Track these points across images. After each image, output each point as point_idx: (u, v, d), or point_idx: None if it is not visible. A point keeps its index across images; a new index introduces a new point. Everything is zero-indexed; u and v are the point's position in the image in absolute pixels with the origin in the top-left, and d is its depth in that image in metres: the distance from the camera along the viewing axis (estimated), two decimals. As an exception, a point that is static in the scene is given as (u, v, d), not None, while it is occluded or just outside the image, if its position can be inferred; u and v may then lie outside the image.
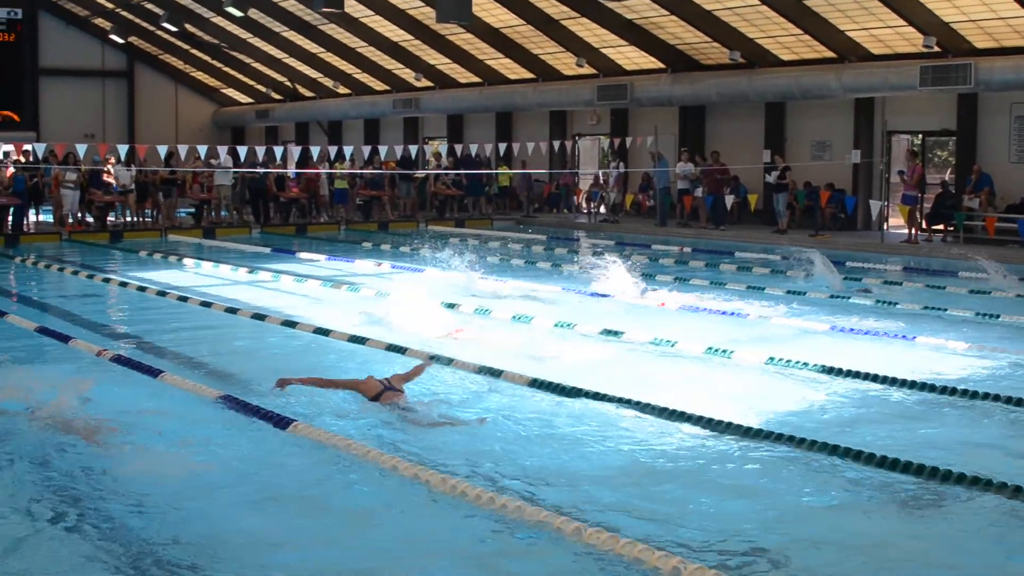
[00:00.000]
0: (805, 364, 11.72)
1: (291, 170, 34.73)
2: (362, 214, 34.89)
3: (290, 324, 14.71)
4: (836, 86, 28.21)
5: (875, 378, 11.17)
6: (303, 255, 24.92)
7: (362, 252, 25.29)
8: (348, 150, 34.67)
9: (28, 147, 33.07)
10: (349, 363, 12.34)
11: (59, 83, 48.36)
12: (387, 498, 7.72)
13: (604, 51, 33.50)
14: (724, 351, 12.46)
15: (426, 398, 10.47)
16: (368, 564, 6.69)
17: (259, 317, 15.38)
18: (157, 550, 6.78)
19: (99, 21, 47.48)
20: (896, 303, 16.77)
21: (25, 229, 29.69)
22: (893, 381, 11.05)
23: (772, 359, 11.99)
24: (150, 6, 42.68)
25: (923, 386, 10.87)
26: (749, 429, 9.19)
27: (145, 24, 45.24)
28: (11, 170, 30.27)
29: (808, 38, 28.32)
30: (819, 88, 28.69)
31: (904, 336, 13.64)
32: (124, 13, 45.20)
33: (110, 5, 44.92)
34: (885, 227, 27.74)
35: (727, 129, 32.69)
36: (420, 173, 35.29)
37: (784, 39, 29.14)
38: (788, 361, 11.87)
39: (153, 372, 11.54)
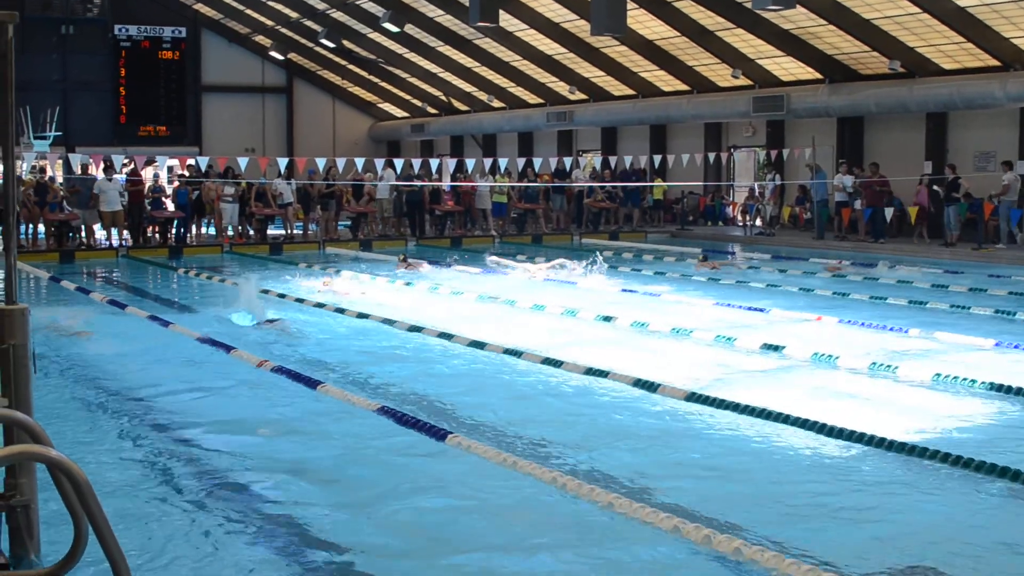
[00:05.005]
0: (972, 381, 11.38)
1: (446, 183, 35.05)
2: (516, 227, 35.04)
3: (446, 336, 14.81)
4: (1001, 95, 27.38)
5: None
6: (458, 267, 25.06)
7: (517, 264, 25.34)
8: (503, 163, 34.87)
9: (191, 161, 33.92)
10: (505, 376, 12.43)
11: (221, 99, 49.68)
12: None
13: (760, 62, 33.15)
14: (888, 366, 12.18)
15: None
16: None
17: (415, 329, 15.52)
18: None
19: (259, 39, 48.63)
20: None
21: (188, 241, 30.44)
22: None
23: (939, 375, 11.67)
24: (309, 23, 43.54)
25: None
26: (914, 447, 8.94)
27: (304, 41, 46.22)
28: (176, 183, 31.16)
29: (971, 46, 27.61)
30: (983, 97, 27.89)
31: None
32: (284, 30, 46.21)
33: (270, 23, 45.96)
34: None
35: (886, 140, 32.06)
36: (576, 186, 35.31)
37: (946, 47, 28.47)
38: (955, 378, 11.54)
39: (312, 383, 11.69)
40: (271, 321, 16.22)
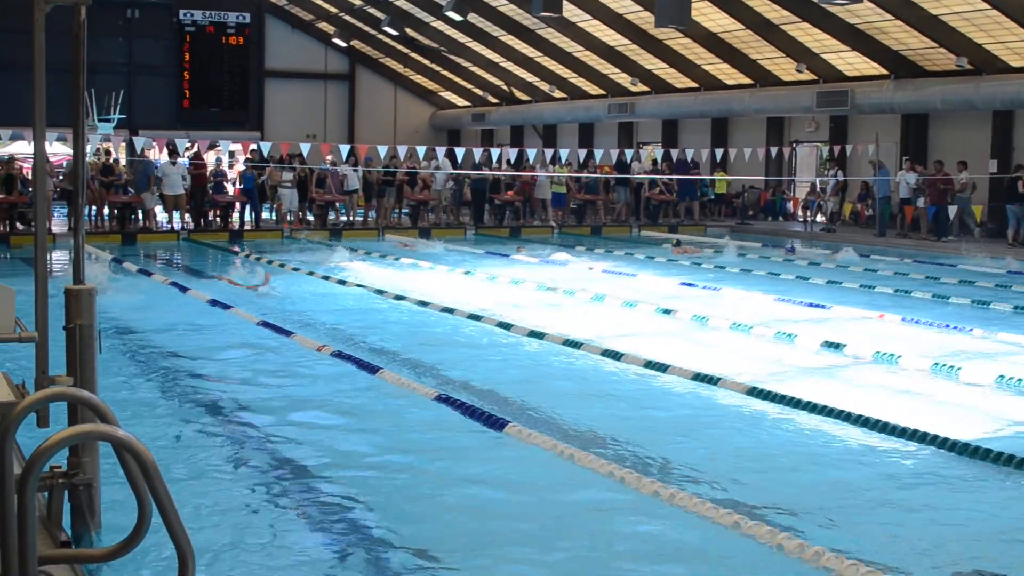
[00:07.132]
0: (1037, 383, 11.25)
1: (506, 172, 35.05)
2: (576, 218, 34.98)
3: (505, 326, 14.82)
4: (1070, 94, 27.03)
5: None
6: (517, 257, 25.06)
7: (574, 255, 25.30)
8: (563, 153, 34.78)
9: (254, 146, 34.12)
10: (565, 366, 12.42)
11: (283, 85, 49.88)
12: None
13: (824, 56, 32.84)
14: (951, 367, 12.04)
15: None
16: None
17: (475, 318, 15.54)
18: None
19: (323, 25, 48.78)
20: None
21: (250, 226, 30.63)
22: None
23: (1002, 377, 11.53)
24: (372, 11, 43.62)
25: None
26: (977, 448, 8.83)
27: (367, 28, 46.31)
28: (240, 168, 31.37)
29: (1041, 43, 27.27)
30: (1051, 96, 27.51)
31: None
32: (347, 17, 46.34)
33: (334, 10, 46.09)
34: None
35: (951, 138, 31.67)
36: (636, 177, 35.18)
37: (1014, 44, 28.06)
38: (1020, 379, 11.39)
39: (372, 369, 11.73)
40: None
